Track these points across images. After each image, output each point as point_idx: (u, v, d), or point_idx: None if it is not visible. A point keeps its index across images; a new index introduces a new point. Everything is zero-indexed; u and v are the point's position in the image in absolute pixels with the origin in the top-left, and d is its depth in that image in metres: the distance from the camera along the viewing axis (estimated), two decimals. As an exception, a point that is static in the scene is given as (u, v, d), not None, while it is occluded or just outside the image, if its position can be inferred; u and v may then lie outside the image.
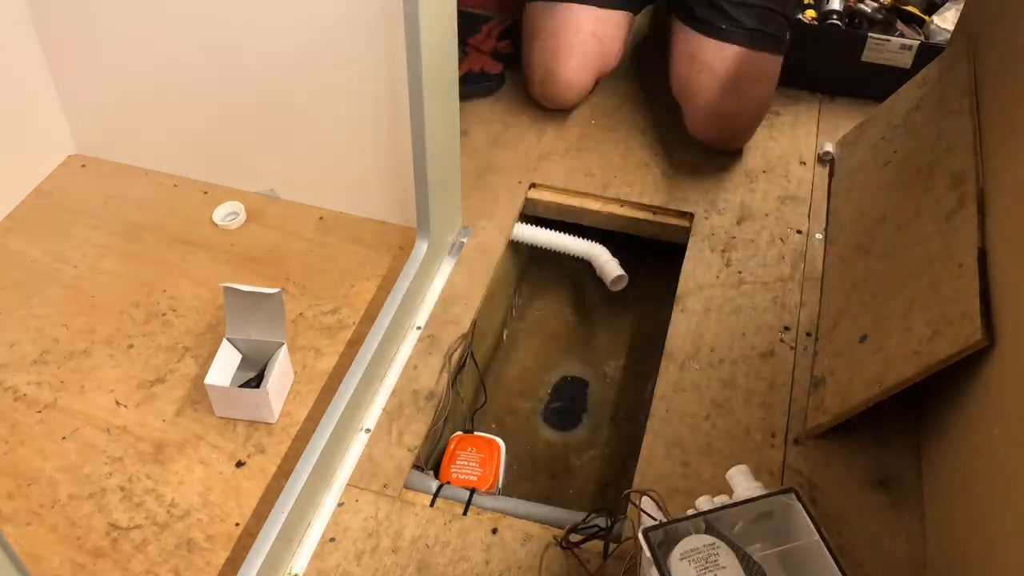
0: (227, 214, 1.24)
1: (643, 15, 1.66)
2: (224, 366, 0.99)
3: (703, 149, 1.40)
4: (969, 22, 1.28)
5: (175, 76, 1.18)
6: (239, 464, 0.95)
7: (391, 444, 1.02)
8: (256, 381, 1.00)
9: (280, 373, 0.98)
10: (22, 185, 1.28)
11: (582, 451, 1.21)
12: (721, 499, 0.81)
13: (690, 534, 0.77)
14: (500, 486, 1.04)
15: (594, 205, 1.34)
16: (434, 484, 0.98)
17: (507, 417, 1.25)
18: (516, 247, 1.33)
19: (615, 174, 1.37)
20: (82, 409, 1.00)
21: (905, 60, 1.46)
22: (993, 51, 1.12)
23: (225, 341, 1.00)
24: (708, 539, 0.76)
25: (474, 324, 1.16)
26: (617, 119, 1.48)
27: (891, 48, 1.45)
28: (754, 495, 0.81)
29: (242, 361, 1.02)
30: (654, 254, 1.37)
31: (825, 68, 1.51)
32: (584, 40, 1.40)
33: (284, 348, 0.99)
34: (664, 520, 0.79)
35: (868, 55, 1.47)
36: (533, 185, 1.36)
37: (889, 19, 1.51)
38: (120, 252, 1.19)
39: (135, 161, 1.33)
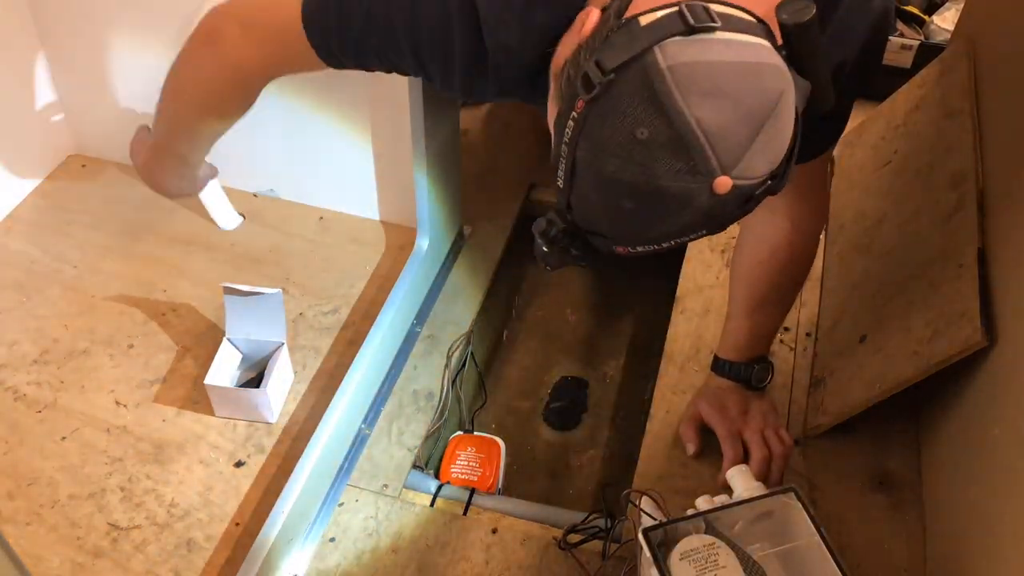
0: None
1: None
2: (224, 366, 0.99)
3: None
4: (969, 22, 1.28)
5: (175, 76, 1.18)
6: (239, 464, 0.95)
7: (391, 444, 1.02)
8: (256, 381, 1.00)
9: (280, 373, 0.98)
10: (22, 185, 1.28)
11: (582, 451, 1.21)
12: (721, 499, 0.81)
13: (690, 534, 0.77)
14: (500, 486, 1.04)
15: (594, 205, 1.34)
16: (434, 484, 0.98)
17: (507, 417, 1.25)
18: (516, 247, 1.33)
19: (615, 174, 1.37)
20: (82, 409, 1.00)
21: (905, 60, 1.46)
22: (993, 51, 1.12)
23: (225, 341, 1.00)
24: (708, 539, 0.76)
25: (474, 324, 1.16)
26: (617, 119, 1.48)
27: (891, 48, 1.45)
28: (754, 495, 0.81)
29: (242, 361, 1.02)
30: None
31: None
32: None
33: (284, 348, 0.99)
34: (664, 520, 0.79)
35: (868, 55, 1.47)
36: (533, 185, 1.36)
37: (889, 19, 1.51)
38: (120, 252, 1.19)
39: (135, 161, 1.33)
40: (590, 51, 0.60)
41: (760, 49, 0.57)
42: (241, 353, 1.02)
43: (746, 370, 0.98)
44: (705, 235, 0.62)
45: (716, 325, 1.14)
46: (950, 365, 0.86)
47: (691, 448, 0.99)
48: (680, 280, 1.21)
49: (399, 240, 1.21)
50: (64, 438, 0.97)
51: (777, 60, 0.57)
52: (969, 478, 0.85)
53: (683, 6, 0.57)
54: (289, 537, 0.90)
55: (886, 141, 1.24)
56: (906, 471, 0.98)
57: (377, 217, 1.24)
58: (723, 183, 0.56)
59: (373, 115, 1.11)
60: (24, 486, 0.93)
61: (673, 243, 0.63)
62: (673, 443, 1.02)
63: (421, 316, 1.16)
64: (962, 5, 1.35)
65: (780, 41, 0.59)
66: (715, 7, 0.57)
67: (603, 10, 0.64)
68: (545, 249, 0.66)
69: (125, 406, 1.01)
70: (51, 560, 0.87)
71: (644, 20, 0.58)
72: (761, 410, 0.98)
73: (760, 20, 0.59)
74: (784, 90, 0.57)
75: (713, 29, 0.56)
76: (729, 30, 0.57)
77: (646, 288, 1.39)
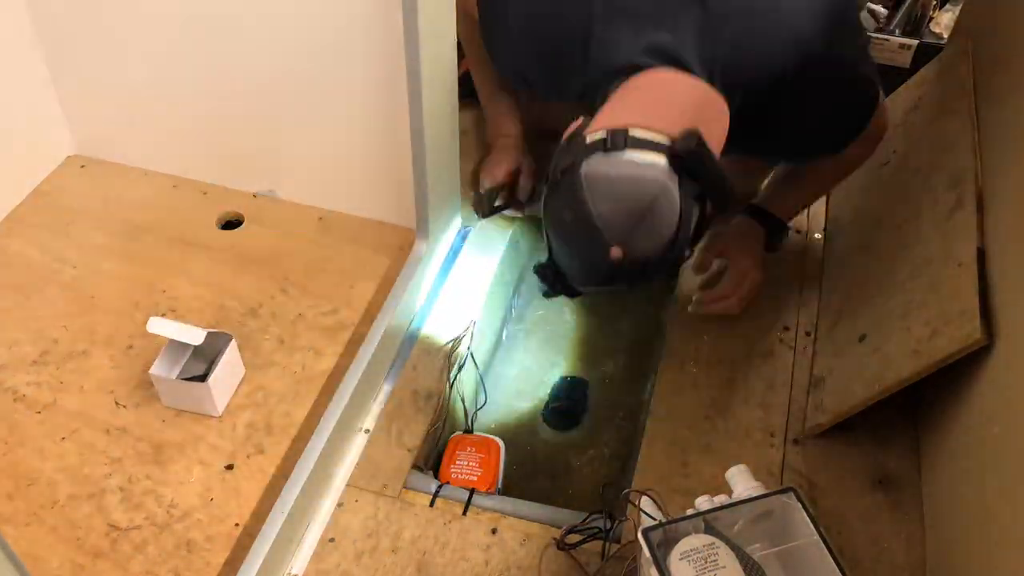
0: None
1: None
2: (172, 357, 1.00)
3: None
4: (968, 22, 1.28)
5: (175, 77, 1.18)
6: (238, 465, 0.95)
7: (391, 444, 1.02)
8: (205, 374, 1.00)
9: (228, 367, 0.98)
10: (22, 185, 1.28)
11: (582, 451, 1.21)
12: (721, 499, 0.81)
13: (690, 534, 0.77)
14: (500, 486, 1.04)
15: (594, 205, 1.34)
16: (434, 484, 0.98)
17: (507, 417, 1.25)
18: (516, 247, 1.33)
19: (615, 174, 1.37)
20: (82, 409, 1.00)
21: (904, 60, 1.46)
22: (992, 51, 1.12)
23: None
24: (708, 539, 0.76)
25: (474, 324, 1.16)
26: (617, 119, 1.48)
27: (891, 48, 1.45)
28: (754, 495, 0.81)
29: (194, 353, 1.01)
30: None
31: (825, 68, 1.51)
32: None
33: (233, 343, 0.99)
34: (664, 520, 0.79)
35: (867, 55, 1.47)
36: (533, 185, 1.36)
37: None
38: (120, 252, 1.19)
39: (135, 161, 1.33)
40: (559, 149, 0.87)
41: (649, 168, 0.80)
42: (191, 345, 1.01)
43: (773, 221, 1.14)
44: (627, 290, 0.90)
45: (716, 325, 1.15)
46: (950, 364, 0.86)
47: (702, 275, 1.15)
48: (680, 280, 1.21)
49: (399, 240, 1.21)
50: (64, 439, 0.97)
51: (658, 174, 0.80)
52: (969, 478, 0.85)
53: (609, 133, 0.82)
54: (289, 537, 0.90)
55: (885, 140, 1.24)
56: (906, 471, 0.98)
57: (377, 217, 1.24)
58: (615, 252, 0.81)
59: (372, 115, 1.11)
60: (24, 487, 0.93)
61: (607, 290, 0.91)
62: (673, 443, 1.02)
63: (421, 316, 1.16)
64: (961, 5, 1.35)
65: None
66: (635, 132, 0.81)
67: (582, 117, 0.89)
68: (541, 282, 0.95)
69: (125, 406, 1.01)
70: (51, 561, 0.87)
71: (588, 137, 0.83)
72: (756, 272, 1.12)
73: (671, 139, 0.81)
74: (657, 195, 0.80)
75: (622, 150, 0.81)
76: (636, 149, 0.81)
77: (645, 288, 1.38)
